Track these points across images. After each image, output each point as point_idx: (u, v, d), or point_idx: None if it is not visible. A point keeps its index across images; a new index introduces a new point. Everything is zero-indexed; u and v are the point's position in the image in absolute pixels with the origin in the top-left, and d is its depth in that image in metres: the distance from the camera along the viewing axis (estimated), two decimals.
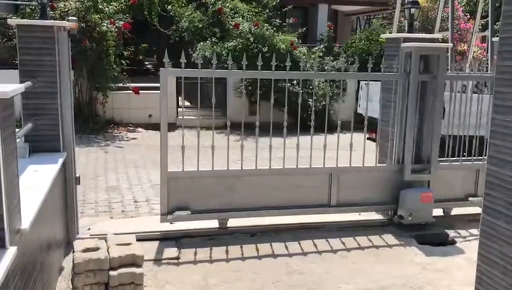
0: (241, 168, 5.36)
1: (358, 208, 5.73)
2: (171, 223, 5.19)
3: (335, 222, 5.63)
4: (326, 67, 12.51)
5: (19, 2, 12.60)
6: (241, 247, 5.02)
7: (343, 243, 5.19)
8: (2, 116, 2.36)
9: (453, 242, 5.38)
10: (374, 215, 5.91)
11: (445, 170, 5.85)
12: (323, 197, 5.55)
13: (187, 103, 13.29)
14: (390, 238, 5.36)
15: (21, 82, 4.11)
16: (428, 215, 5.60)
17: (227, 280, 4.35)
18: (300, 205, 5.47)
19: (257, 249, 4.99)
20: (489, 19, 10.18)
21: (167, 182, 5.12)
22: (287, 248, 5.04)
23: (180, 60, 5.04)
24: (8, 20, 5.42)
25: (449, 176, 5.90)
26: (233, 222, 5.38)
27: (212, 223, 5.37)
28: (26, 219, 2.82)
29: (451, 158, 5.91)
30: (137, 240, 4.20)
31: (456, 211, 6.06)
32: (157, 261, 4.63)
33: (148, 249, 4.68)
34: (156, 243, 4.97)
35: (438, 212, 5.76)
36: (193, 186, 5.21)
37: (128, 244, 4.00)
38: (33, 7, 11.02)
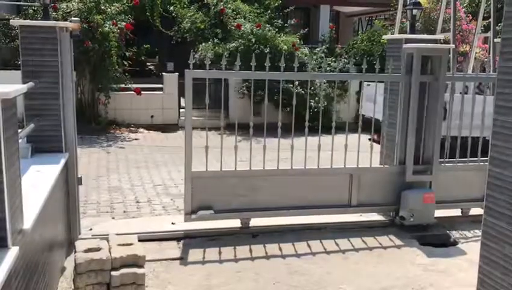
0: (263, 168, 5.40)
1: (378, 208, 5.79)
2: (171, 224, 5.20)
3: (336, 223, 5.63)
4: (328, 68, 12.52)
5: (21, 3, 12.63)
6: (243, 248, 5.02)
7: (344, 243, 5.19)
8: (4, 117, 2.36)
9: (454, 243, 5.37)
10: (375, 216, 5.90)
11: (464, 171, 5.88)
12: (343, 198, 5.61)
13: None
14: (391, 239, 5.36)
15: (23, 83, 4.12)
16: (430, 216, 5.59)
17: (229, 281, 4.35)
18: (321, 205, 5.54)
19: (259, 250, 4.99)
20: (491, 20, 10.16)
21: (191, 181, 5.18)
22: (288, 248, 5.03)
23: (205, 62, 5.21)
24: (10, 20, 5.44)
25: (467, 176, 5.90)
26: (221, 223, 5.36)
27: (217, 224, 5.36)
28: (28, 219, 2.83)
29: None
30: (139, 240, 4.20)
31: (457, 212, 6.05)
32: (159, 261, 4.63)
33: (150, 250, 4.69)
34: (157, 244, 4.98)
35: (439, 213, 5.75)
36: (216, 186, 5.26)
37: (130, 244, 4.01)
38: (35, 8, 11.05)
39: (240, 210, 5.34)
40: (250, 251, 4.97)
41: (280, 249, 5.02)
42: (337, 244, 5.18)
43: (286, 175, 5.45)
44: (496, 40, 9.03)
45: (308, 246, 5.11)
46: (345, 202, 5.61)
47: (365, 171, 5.67)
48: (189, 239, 5.14)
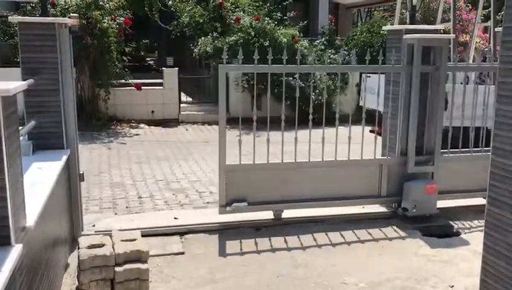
0: (295, 160, 5.44)
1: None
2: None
3: (339, 215, 5.63)
4: (329, 61, 12.48)
5: (19, 0, 12.58)
6: (247, 241, 5.03)
7: (347, 235, 5.19)
8: (5, 114, 2.35)
9: (457, 233, 5.38)
10: (378, 208, 5.90)
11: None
12: (374, 188, 5.67)
13: (189, 98, 13.28)
14: (394, 230, 5.36)
15: (23, 80, 4.11)
16: (433, 207, 5.59)
17: (233, 274, 4.36)
18: (352, 196, 5.61)
19: (263, 243, 4.99)
20: (491, 9, 10.11)
21: (225, 174, 5.22)
22: (292, 241, 5.04)
23: (238, 57, 5.21)
24: (9, 17, 5.41)
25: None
26: (226, 217, 5.37)
27: (219, 218, 5.37)
28: (31, 217, 2.83)
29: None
30: (142, 235, 4.21)
31: (460, 202, 6.05)
32: (163, 256, 4.64)
33: (153, 245, 4.69)
34: (161, 239, 4.98)
35: (441, 204, 5.75)
36: (249, 178, 5.33)
37: (133, 240, 4.01)
38: (34, 5, 11.00)
39: (272, 202, 5.42)
40: (254, 244, 4.97)
41: (284, 242, 5.02)
42: (340, 236, 5.18)
43: (317, 167, 5.50)
44: (496, 29, 8.99)
45: (312, 238, 5.11)
46: (375, 192, 5.69)
47: (392, 161, 5.73)
48: (193, 234, 5.14)
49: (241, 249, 4.86)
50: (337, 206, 5.65)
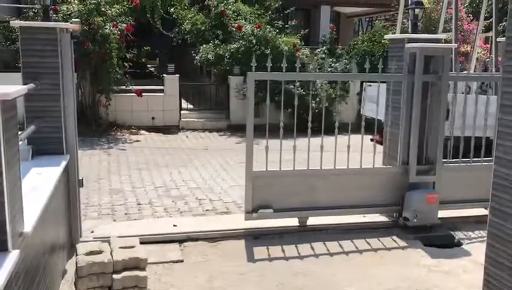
0: (321, 167, 5.47)
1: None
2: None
3: (340, 224, 5.59)
4: (329, 69, 12.49)
5: (22, 6, 12.62)
6: (245, 250, 4.99)
7: (348, 245, 5.16)
8: (4, 118, 2.33)
9: (459, 244, 5.34)
10: (378, 217, 5.87)
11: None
12: (397, 196, 5.67)
13: (189, 105, 13.28)
14: (395, 240, 5.33)
15: (24, 84, 4.09)
16: (434, 217, 5.55)
17: (231, 283, 4.31)
18: (375, 203, 5.64)
19: (261, 252, 4.95)
20: (493, 19, 10.14)
21: (252, 181, 5.24)
22: (291, 250, 5.00)
23: (266, 64, 5.21)
24: (11, 22, 5.41)
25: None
26: (223, 225, 5.34)
27: (217, 226, 5.33)
28: (29, 222, 2.80)
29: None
30: (141, 242, 4.17)
31: (461, 212, 6.01)
32: (161, 263, 4.60)
33: (152, 252, 4.65)
34: (159, 246, 4.94)
35: (442, 213, 5.71)
36: (275, 185, 5.36)
37: (132, 247, 3.98)
38: (36, 10, 11.03)
39: (298, 209, 5.43)
40: (253, 253, 4.93)
41: (282, 251, 4.98)
42: (340, 245, 5.14)
43: (342, 174, 5.53)
44: (499, 39, 9.00)
45: (312, 247, 5.07)
46: (397, 200, 5.68)
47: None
48: (191, 241, 5.10)
49: (238, 258, 4.81)
50: (361, 214, 5.72)
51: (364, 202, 5.62)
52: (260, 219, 5.32)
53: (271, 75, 5.41)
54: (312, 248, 5.06)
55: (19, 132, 2.84)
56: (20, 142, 3.03)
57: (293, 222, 5.50)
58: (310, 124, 5.43)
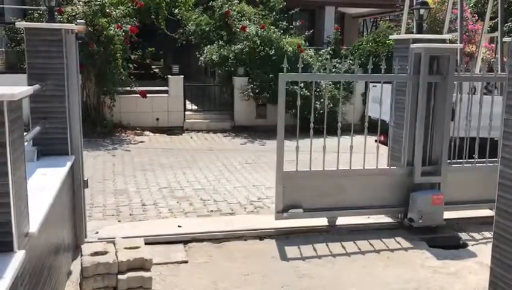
0: (350, 167, 5.51)
1: (462, 206, 5.84)
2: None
3: (344, 225, 5.58)
4: (334, 70, 12.47)
5: (27, 7, 12.67)
6: (250, 251, 4.98)
7: (353, 246, 5.14)
8: (10, 119, 2.34)
9: (464, 245, 5.31)
10: (383, 218, 5.85)
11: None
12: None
13: (194, 106, 13.30)
14: (400, 241, 5.31)
15: (29, 85, 4.10)
16: (439, 218, 5.53)
17: (236, 284, 4.31)
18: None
19: (266, 253, 4.95)
20: (498, 19, 10.09)
21: (282, 181, 5.27)
22: (294, 251, 4.99)
23: (298, 65, 5.26)
24: (16, 23, 5.43)
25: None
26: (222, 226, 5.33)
27: (220, 226, 5.32)
28: (35, 223, 2.80)
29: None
30: (146, 243, 4.17)
31: (467, 213, 5.98)
32: (166, 264, 4.60)
33: (157, 253, 4.65)
34: (164, 247, 4.94)
35: (447, 215, 5.69)
36: (305, 185, 5.40)
37: (137, 247, 3.98)
38: (41, 12, 11.07)
39: (327, 209, 5.48)
40: (258, 253, 4.92)
41: (288, 251, 4.97)
42: (345, 246, 5.13)
43: (371, 175, 5.59)
44: (504, 39, 8.96)
45: (316, 248, 5.06)
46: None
47: (456, 170, 5.75)
48: (196, 242, 5.10)
49: (242, 259, 4.80)
50: (388, 214, 5.81)
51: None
52: (290, 219, 5.37)
53: (301, 76, 5.48)
54: (315, 249, 5.04)
55: (25, 133, 2.84)
56: (26, 143, 3.05)
57: (297, 223, 5.48)
58: (339, 125, 5.46)
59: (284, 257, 4.88)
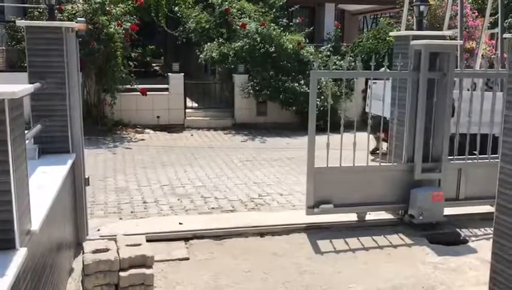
0: (379, 164, 5.61)
1: (485, 201, 5.83)
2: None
3: (345, 222, 5.59)
4: (334, 67, 12.47)
5: (27, 5, 12.67)
6: (251, 248, 5.00)
7: (353, 242, 5.15)
8: (11, 117, 2.35)
9: (465, 241, 5.32)
10: (384, 215, 5.86)
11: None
12: (451, 191, 5.74)
13: (194, 104, 13.30)
14: (401, 237, 5.32)
15: (30, 83, 4.11)
16: (440, 215, 5.54)
17: (237, 281, 4.32)
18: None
19: (268, 250, 4.96)
20: (499, 15, 10.07)
21: (313, 176, 5.32)
22: (298, 247, 5.00)
23: (328, 63, 5.37)
24: (16, 21, 5.43)
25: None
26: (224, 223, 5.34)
27: (221, 224, 5.33)
28: (36, 220, 2.82)
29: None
30: (147, 240, 4.19)
31: (466, 209, 5.99)
32: (167, 261, 4.61)
33: (158, 250, 4.67)
34: (165, 244, 4.96)
35: (448, 211, 5.70)
36: (335, 181, 5.46)
37: (138, 245, 3.99)
38: (41, 10, 11.07)
39: (357, 204, 5.55)
40: (259, 250, 4.94)
41: (289, 248, 4.99)
42: (345, 243, 5.14)
43: (398, 170, 5.65)
44: (505, 35, 8.95)
45: (318, 245, 5.07)
46: (452, 195, 5.75)
47: (473, 165, 5.81)
48: (197, 239, 5.12)
49: (245, 255, 4.82)
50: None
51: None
52: (321, 214, 5.42)
53: (332, 73, 5.53)
54: (317, 246, 5.06)
55: (26, 131, 2.85)
56: (27, 141, 3.05)
57: (299, 220, 5.49)
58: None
59: (283, 253, 4.89)
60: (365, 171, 5.59)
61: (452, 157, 5.79)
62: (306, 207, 5.43)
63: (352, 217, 5.67)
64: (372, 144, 7.04)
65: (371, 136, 6.15)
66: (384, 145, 6.95)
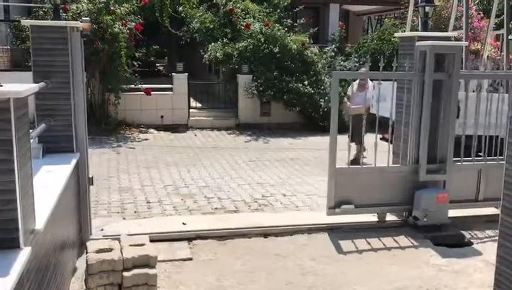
0: (400, 164, 5.62)
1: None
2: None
3: (349, 223, 5.57)
4: (339, 68, 12.45)
5: (32, 5, 12.70)
6: (254, 248, 4.99)
7: (358, 244, 5.14)
8: (16, 116, 2.35)
9: (469, 243, 5.30)
10: (388, 217, 5.83)
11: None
12: (470, 193, 5.76)
13: (198, 104, 13.31)
14: (405, 239, 5.30)
15: (34, 83, 4.11)
16: (444, 216, 5.51)
17: (241, 281, 4.32)
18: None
19: (271, 250, 4.95)
20: (504, 16, 10.03)
21: (335, 177, 5.33)
22: (301, 248, 4.99)
23: (346, 65, 5.21)
24: (21, 21, 5.45)
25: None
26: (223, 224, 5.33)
27: (220, 224, 5.32)
28: (40, 220, 2.82)
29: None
30: (151, 240, 4.18)
31: (471, 211, 5.97)
32: (171, 261, 4.61)
33: (162, 250, 4.67)
34: (169, 244, 4.96)
35: (453, 213, 5.67)
36: (356, 181, 5.46)
37: (142, 245, 3.99)
38: (46, 9, 11.10)
39: (378, 205, 5.55)
40: (263, 251, 4.93)
41: (292, 249, 4.98)
42: (350, 244, 5.12)
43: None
44: (510, 36, 8.91)
45: (321, 246, 5.06)
46: (472, 196, 5.77)
47: (493, 167, 5.74)
48: (201, 240, 5.11)
49: (247, 256, 4.81)
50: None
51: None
52: (342, 215, 5.42)
53: (354, 74, 5.51)
54: (320, 246, 5.04)
55: (30, 130, 2.85)
56: (32, 141, 3.06)
57: (301, 221, 5.48)
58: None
59: (287, 254, 4.88)
60: (383, 172, 5.59)
61: (471, 158, 5.77)
62: (327, 208, 5.43)
63: (356, 218, 5.64)
64: (353, 154, 6.86)
65: (352, 144, 6.15)
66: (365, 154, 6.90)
